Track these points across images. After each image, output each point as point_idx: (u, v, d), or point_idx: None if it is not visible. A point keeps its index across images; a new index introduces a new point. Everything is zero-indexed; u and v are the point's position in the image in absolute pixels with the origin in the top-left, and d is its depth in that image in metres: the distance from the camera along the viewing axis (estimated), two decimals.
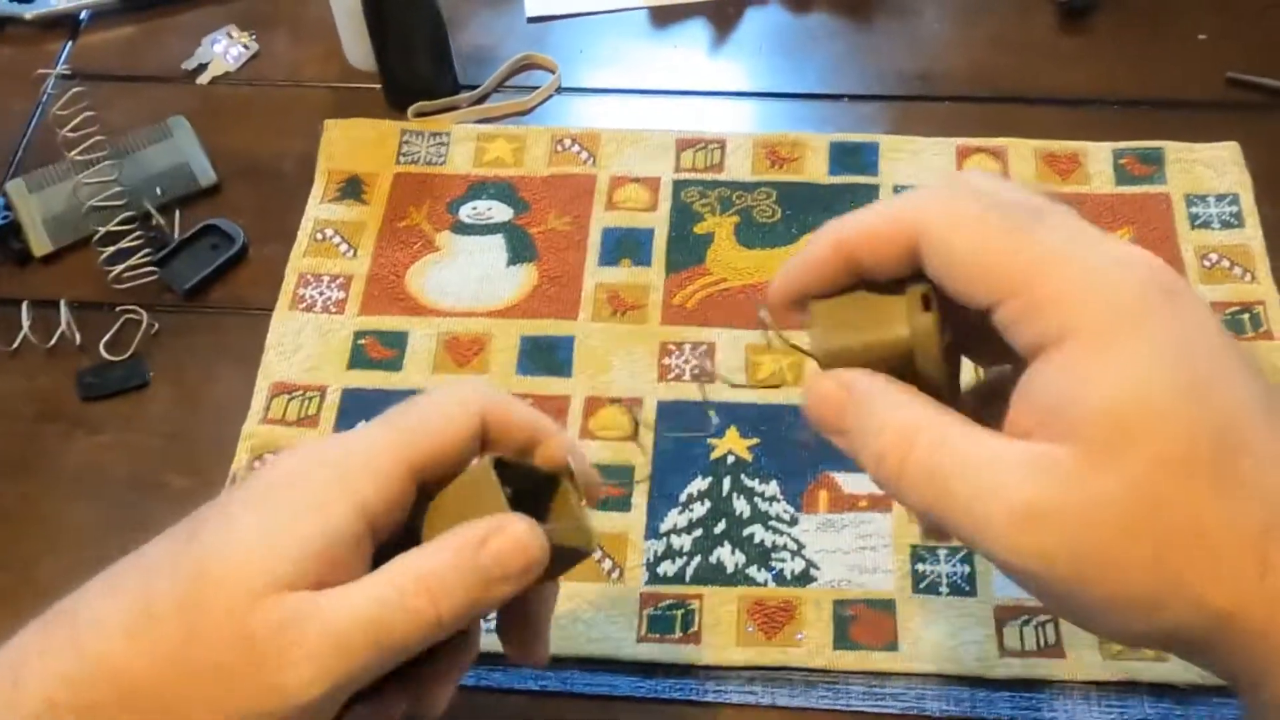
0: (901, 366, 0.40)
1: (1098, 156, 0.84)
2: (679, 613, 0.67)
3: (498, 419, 0.46)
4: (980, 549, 0.36)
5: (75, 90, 0.85)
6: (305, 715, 0.40)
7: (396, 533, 0.44)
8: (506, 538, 0.42)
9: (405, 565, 0.41)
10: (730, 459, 0.72)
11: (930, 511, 0.37)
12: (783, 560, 0.68)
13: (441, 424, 0.45)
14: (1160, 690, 0.64)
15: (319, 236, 0.83)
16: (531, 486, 0.47)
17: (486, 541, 0.42)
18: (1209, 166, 0.83)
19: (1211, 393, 0.34)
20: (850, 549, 0.69)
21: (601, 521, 0.70)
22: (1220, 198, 0.82)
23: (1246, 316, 0.76)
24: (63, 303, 0.79)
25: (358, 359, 0.77)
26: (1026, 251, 0.36)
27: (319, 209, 0.84)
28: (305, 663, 0.39)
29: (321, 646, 0.39)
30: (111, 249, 0.81)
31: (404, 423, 0.45)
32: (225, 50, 0.94)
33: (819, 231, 0.41)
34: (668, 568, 0.68)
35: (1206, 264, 0.79)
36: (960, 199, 0.39)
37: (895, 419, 0.38)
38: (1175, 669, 0.64)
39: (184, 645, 0.40)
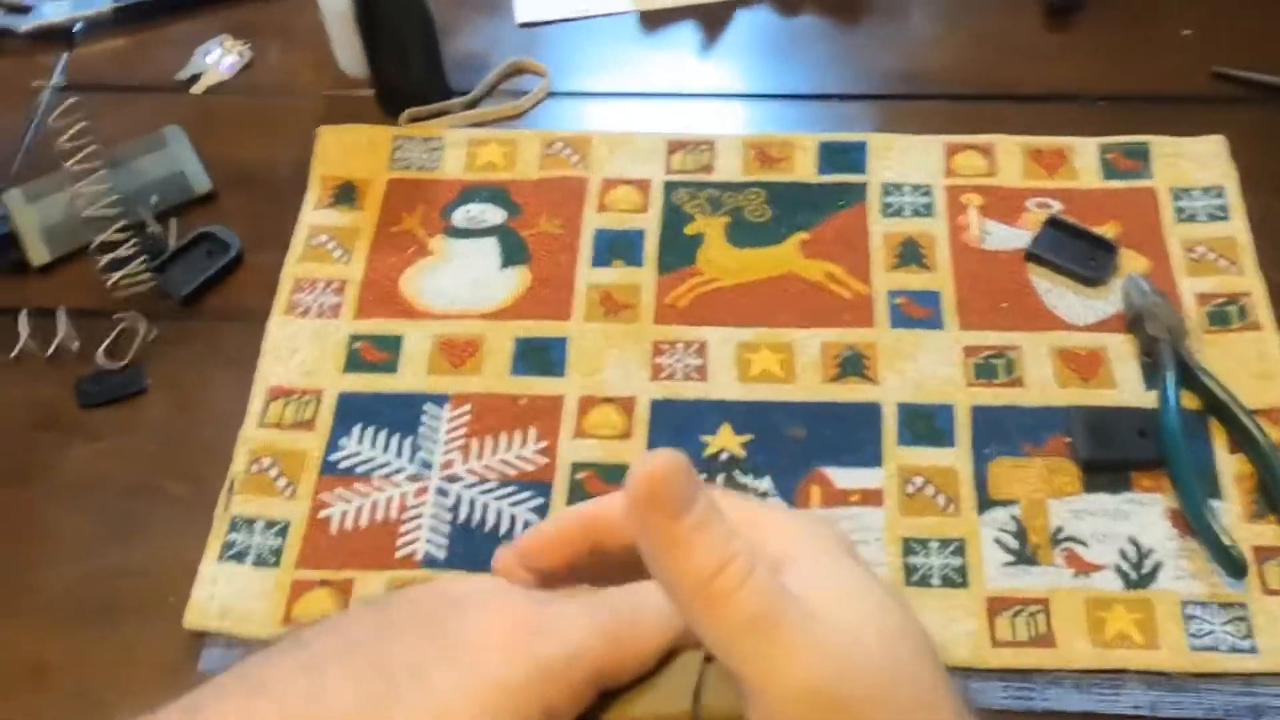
0: None
1: (1084, 152, 0.85)
2: None
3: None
4: None
5: (71, 101, 0.86)
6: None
7: None
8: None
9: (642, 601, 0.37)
10: (724, 456, 0.73)
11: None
12: None
13: (647, 646, 0.37)
14: (1151, 678, 0.64)
15: (314, 242, 0.83)
16: None
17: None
18: (1195, 160, 0.84)
19: None
20: None
21: None
22: (1206, 191, 0.82)
23: (1234, 308, 0.77)
24: (61, 311, 0.80)
25: (353, 362, 0.78)
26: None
27: (313, 215, 0.85)
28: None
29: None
30: (108, 257, 0.82)
31: (611, 632, 0.37)
32: (219, 60, 0.95)
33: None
34: None
35: (1193, 256, 0.79)
36: None
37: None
38: (1166, 657, 0.64)
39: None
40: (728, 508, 0.34)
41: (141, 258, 0.82)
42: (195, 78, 0.94)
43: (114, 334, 0.80)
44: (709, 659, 0.36)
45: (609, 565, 0.39)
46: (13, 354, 0.79)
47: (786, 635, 0.31)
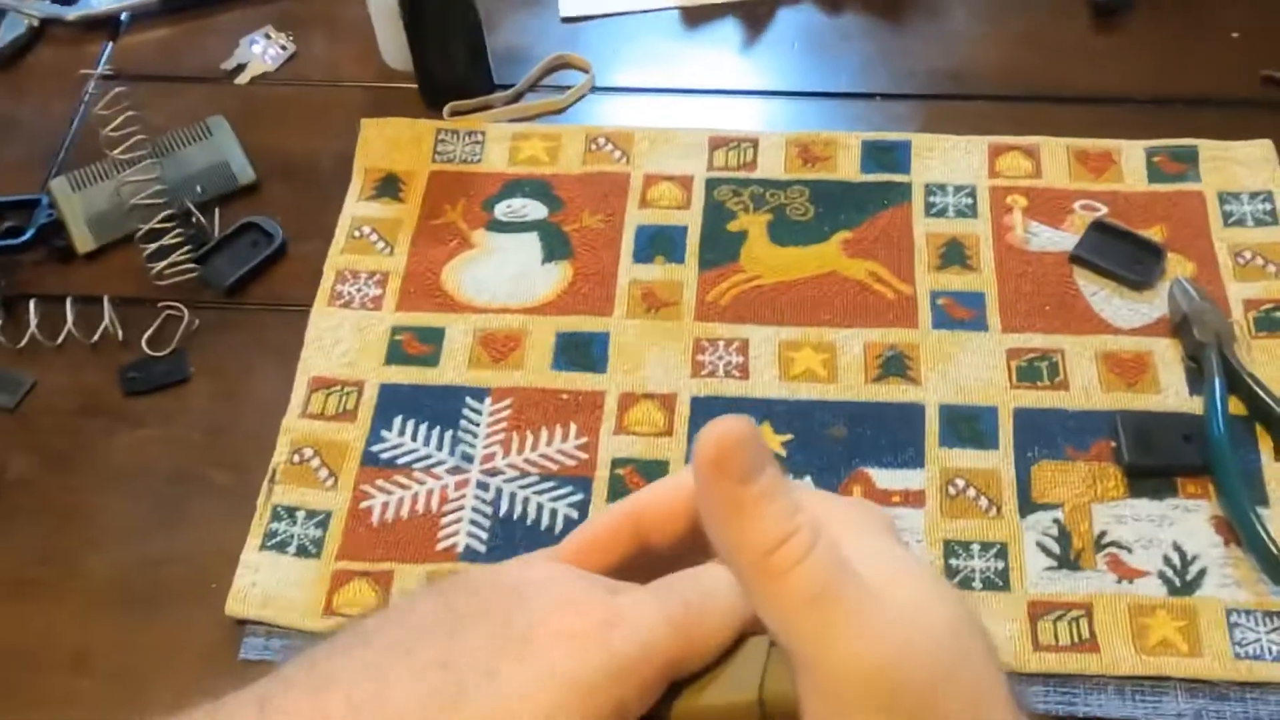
0: None
1: (1131, 155, 0.84)
2: None
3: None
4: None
5: (116, 90, 0.87)
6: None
7: None
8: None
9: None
10: None
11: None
12: None
13: (717, 636, 0.36)
14: (1194, 686, 0.64)
15: (356, 234, 0.84)
16: None
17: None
18: (1243, 164, 0.83)
19: None
20: None
21: None
22: (1254, 195, 0.82)
23: None
24: (106, 299, 0.81)
25: (395, 354, 0.78)
26: None
27: (356, 207, 0.85)
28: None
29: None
30: (153, 246, 0.82)
31: (683, 623, 0.36)
32: (263, 51, 0.95)
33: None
34: None
35: (1240, 261, 0.79)
36: None
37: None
38: (1210, 665, 0.64)
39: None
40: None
41: (185, 247, 0.83)
42: (240, 68, 0.94)
43: (158, 322, 0.80)
44: (774, 644, 0.35)
45: (657, 563, 0.38)
46: (58, 341, 0.80)
47: (847, 613, 0.30)
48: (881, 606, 0.31)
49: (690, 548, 0.37)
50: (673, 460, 0.72)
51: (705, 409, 0.75)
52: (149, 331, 0.80)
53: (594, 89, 0.92)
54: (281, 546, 0.71)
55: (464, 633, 0.34)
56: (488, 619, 0.35)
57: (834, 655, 0.30)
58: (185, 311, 0.81)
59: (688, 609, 0.35)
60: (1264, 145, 0.84)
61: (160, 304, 0.81)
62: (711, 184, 0.85)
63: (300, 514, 0.72)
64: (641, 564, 0.38)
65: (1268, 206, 0.81)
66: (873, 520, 0.36)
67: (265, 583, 0.69)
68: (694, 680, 0.36)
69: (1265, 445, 0.71)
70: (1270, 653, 0.64)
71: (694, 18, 0.97)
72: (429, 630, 0.35)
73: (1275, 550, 0.65)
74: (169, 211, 0.83)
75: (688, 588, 0.35)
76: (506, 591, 0.35)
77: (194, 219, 0.85)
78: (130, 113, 0.86)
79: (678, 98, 0.92)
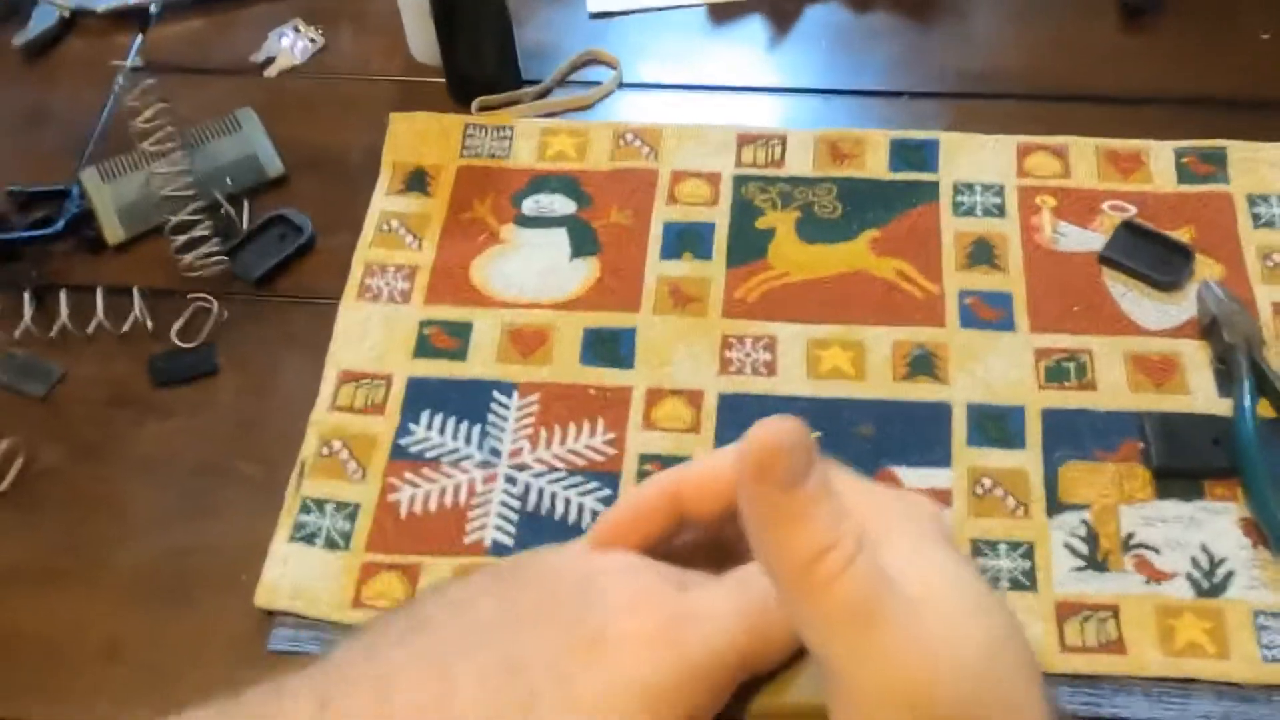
0: None
1: (1160, 155, 0.84)
2: None
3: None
4: None
5: (147, 82, 0.87)
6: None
7: None
8: None
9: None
10: None
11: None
12: None
13: (790, 631, 0.35)
14: (1221, 689, 0.64)
15: (385, 228, 0.84)
16: None
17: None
18: (1273, 166, 0.83)
19: None
20: None
21: None
22: None
23: None
24: (135, 290, 0.81)
25: (423, 348, 0.78)
26: None
27: (384, 201, 0.85)
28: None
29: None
30: (183, 238, 0.83)
31: (758, 621, 0.35)
32: (292, 44, 0.95)
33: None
34: None
35: (1269, 264, 0.79)
36: None
37: None
38: (1237, 667, 0.64)
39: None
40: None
41: (215, 239, 0.83)
42: (269, 61, 0.95)
43: (187, 314, 0.81)
44: None
45: (697, 545, 0.38)
46: (88, 331, 0.80)
47: (885, 631, 0.30)
48: (919, 625, 0.30)
49: (731, 523, 0.35)
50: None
51: (732, 406, 0.75)
52: (179, 323, 0.80)
53: (622, 85, 0.92)
54: (310, 538, 0.71)
55: (532, 632, 0.34)
56: (554, 619, 0.34)
57: (866, 674, 0.30)
58: (214, 303, 0.81)
59: (763, 604, 0.34)
60: None
61: (189, 295, 0.82)
62: (739, 181, 0.85)
63: (329, 506, 0.72)
64: (681, 549, 0.38)
65: None
66: (919, 519, 0.35)
67: (294, 574, 0.70)
68: (770, 677, 0.35)
69: None
70: None
71: (721, 14, 0.97)
72: (492, 629, 0.34)
73: None
74: (198, 203, 0.84)
75: (761, 582, 0.33)
76: (571, 587, 0.35)
77: (223, 211, 0.85)
78: (160, 104, 0.86)
79: (705, 94, 0.92)
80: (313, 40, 0.96)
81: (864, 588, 0.30)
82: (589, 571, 0.35)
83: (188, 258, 0.82)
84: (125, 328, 0.80)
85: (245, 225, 0.85)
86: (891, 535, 0.33)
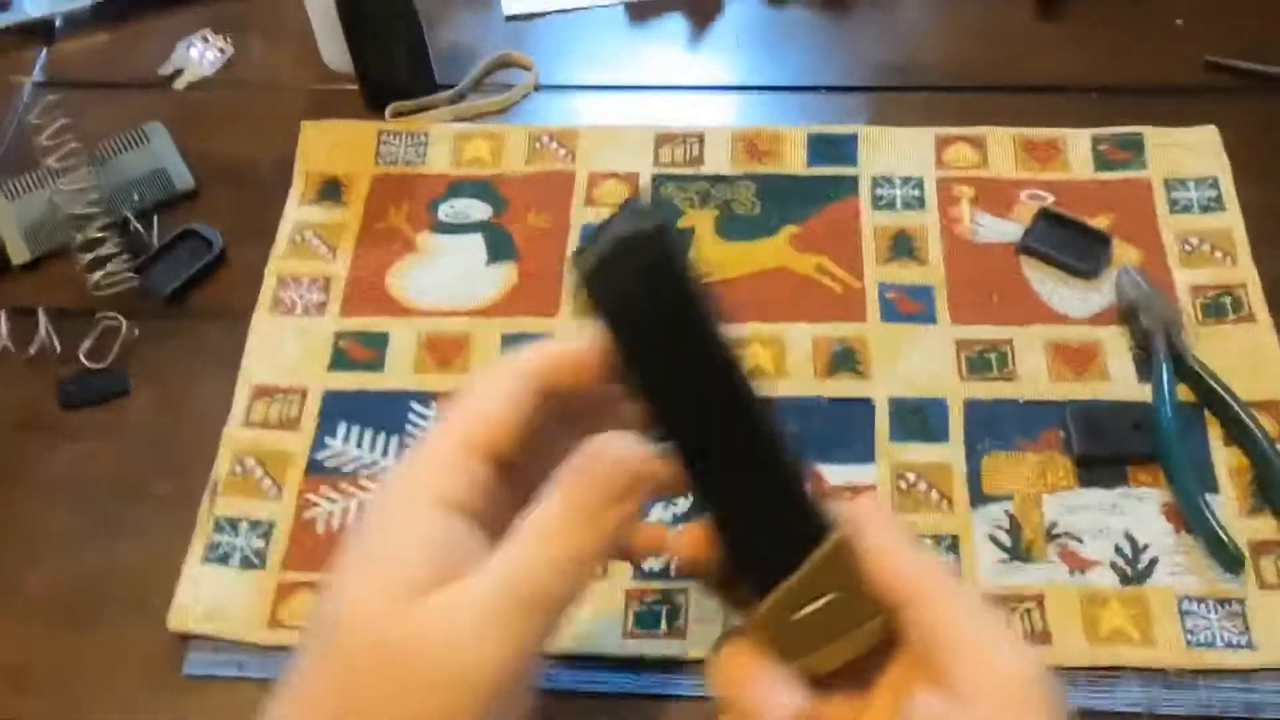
0: None
1: (1077, 143, 0.84)
2: (665, 608, 0.67)
3: (550, 373, 0.43)
4: None
5: (51, 98, 0.85)
6: (490, 698, 0.38)
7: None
8: (606, 463, 0.40)
9: (525, 523, 0.40)
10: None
11: None
12: None
13: (491, 396, 0.42)
14: (1148, 675, 0.63)
15: (298, 239, 0.82)
16: None
17: (591, 469, 0.40)
18: (1188, 151, 0.83)
19: None
20: None
21: None
22: (1200, 182, 0.82)
23: (1228, 299, 0.76)
24: (41, 311, 0.79)
25: (338, 360, 0.77)
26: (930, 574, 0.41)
27: (298, 211, 0.84)
28: (470, 644, 0.38)
29: (476, 624, 0.38)
30: (90, 256, 0.81)
31: (454, 409, 0.43)
32: (201, 54, 0.94)
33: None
34: (653, 563, 0.68)
35: (1187, 248, 0.79)
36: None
37: None
38: (1163, 653, 0.64)
39: (342, 695, 0.39)
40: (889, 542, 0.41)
41: (124, 256, 0.81)
42: (177, 73, 0.93)
43: (96, 334, 0.79)
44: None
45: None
46: None
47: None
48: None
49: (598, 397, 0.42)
50: None
51: None
52: (87, 343, 0.78)
53: (540, 88, 0.91)
54: (224, 559, 0.69)
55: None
56: (344, 545, 0.40)
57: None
58: (124, 322, 0.79)
59: (456, 400, 0.42)
60: (1209, 131, 0.84)
61: (98, 315, 0.80)
62: (658, 181, 0.84)
63: (243, 525, 0.71)
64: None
65: (1213, 193, 0.81)
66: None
67: (208, 596, 0.68)
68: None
69: (1214, 431, 0.71)
70: (1221, 640, 0.64)
71: (640, 13, 0.96)
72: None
73: (1224, 537, 0.65)
74: (106, 220, 0.82)
75: (462, 394, 0.43)
76: (389, 659, 0.38)
77: (132, 227, 0.83)
78: (65, 120, 0.84)
79: (624, 94, 0.91)
80: (222, 50, 0.94)
81: None
82: (396, 636, 0.38)
83: (96, 276, 0.80)
84: (32, 350, 0.78)
85: (155, 241, 0.83)
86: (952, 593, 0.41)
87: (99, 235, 0.81)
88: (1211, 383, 0.71)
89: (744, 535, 0.42)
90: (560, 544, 0.40)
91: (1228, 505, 0.68)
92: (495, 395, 0.42)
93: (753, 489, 0.42)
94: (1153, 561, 0.67)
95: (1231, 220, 0.80)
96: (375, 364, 0.77)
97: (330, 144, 0.87)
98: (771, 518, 0.42)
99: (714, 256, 0.80)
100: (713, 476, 0.41)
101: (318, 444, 0.73)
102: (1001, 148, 0.84)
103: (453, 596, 0.38)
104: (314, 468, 0.73)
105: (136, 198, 0.85)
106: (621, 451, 0.41)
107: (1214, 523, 0.66)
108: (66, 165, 0.83)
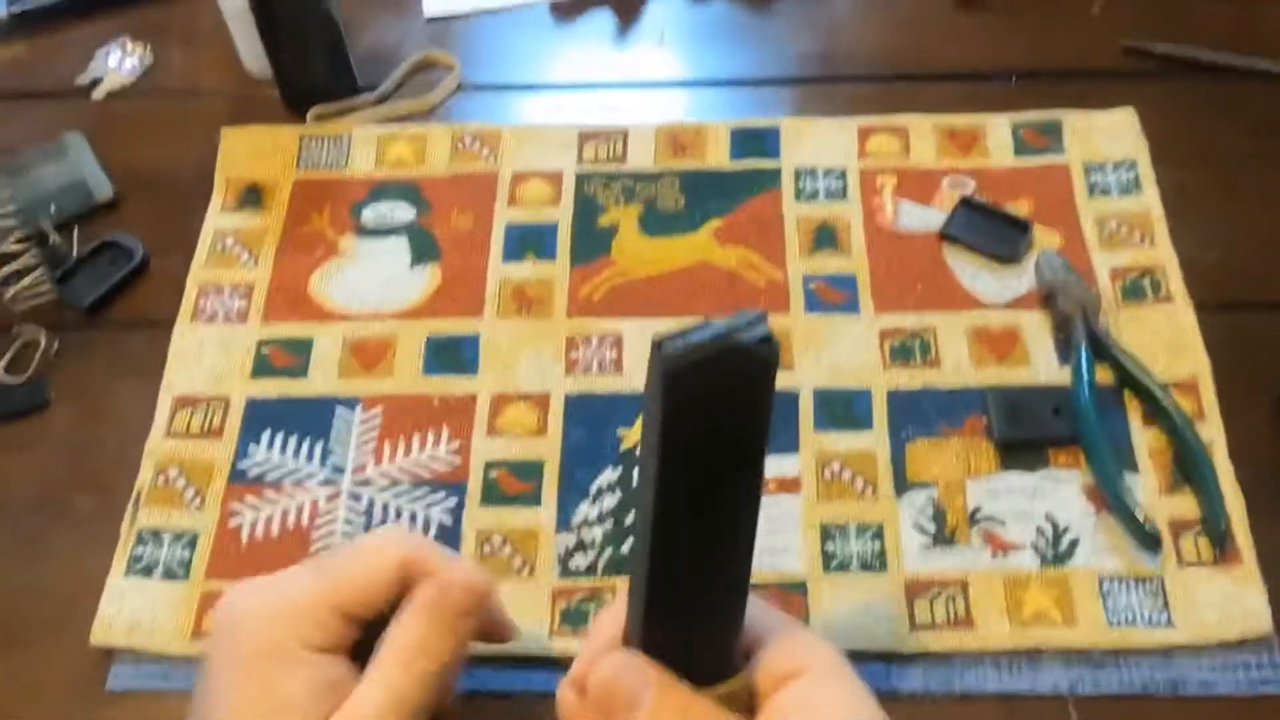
0: None
1: (997, 130, 0.85)
2: (592, 606, 0.67)
3: (415, 564, 0.53)
4: None
5: None
6: None
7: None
8: (458, 588, 0.52)
9: (395, 644, 0.51)
10: (640, 450, 0.72)
11: None
12: None
13: (363, 571, 0.53)
14: (1070, 656, 0.64)
15: (219, 247, 0.82)
16: None
17: (448, 594, 0.52)
18: (1106, 134, 0.84)
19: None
20: (760, 532, 0.68)
21: (511, 516, 0.69)
22: (1118, 165, 0.82)
23: (1147, 281, 0.77)
24: None
25: (261, 368, 0.76)
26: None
27: (219, 219, 0.83)
28: None
29: None
30: (8, 269, 0.80)
31: (331, 571, 0.53)
32: (120, 62, 0.93)
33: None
34: (579, 561, 0.68)
35: (1106, 232, 0.79)
36: None
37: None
38: (1084, 634, 0.64)
39: None
40: (757, 617, 0.48)
41: (42, 268, 0.80)
42: (96, 82, 0.92)
43: (15, 347, 0.78)
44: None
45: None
46: None
47: None
48: None
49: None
50: (547, 460, 0.71)
51: (579, 406, 0.74)
52: (6, 357, 0.78)
53: (464, 88, 0.91)
54: (147, 571, 0.69)
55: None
56: (219, 660, 0.51)
57: None
58: (43, 335, 0.78)
59: (333, 563, 0.54)
60: (1126, 113, 0.85)
61: (16, 329, 0.79)
62: (582, 179, 0.84)
63: (166, 536, 0.70)
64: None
65: (1131, 175, 0.82)
66: (836, 655, 0.49)
67: (131, 609, 0.67)
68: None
69: (1134, 412, 0.72)
70: (1142, 618, 0.64)
71: (564, 12, 0.96)
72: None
73: (1140, 518, 0.66)
74: (24, 233, 0.81)
75: (338, 559, 0.54)
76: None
77: (51, 239, 0.82)
78: None
79: (548, 93, 0.91)
80: (140, 58, 0.93)
81: None
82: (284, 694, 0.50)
83: (13, 289, 0.79)
84: None
85: (74, 252, 0.82)
86: (809, 666, 0.47)
87: (16, 248, 0.80)
88: (1129, 364, 0.72)
89: (667, 642, 0.45)
90: (430, 658, 0.50)
91: (1147, 485, 0.69)
92: (365, 571, 0.52)
93: (700, 617, 0.45)
94: (1074, 543, 0.67)
95: (1149, 202, 0.80)
96: (298, 370, 0.76)
97: (251, 150, 0.86)
98: (699, 644, 0.46)
99: (638, 253, 0.80)
100: (672, 587, 0.44)
101: (241, 452, 0.73)
102: (923, 136, 0.85)
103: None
104: (237, 476, 0.72)
105: (54, 209, 0.84)
106: (469, 577, 0.53)
107: (1131, 503, 0.66)
108: None
